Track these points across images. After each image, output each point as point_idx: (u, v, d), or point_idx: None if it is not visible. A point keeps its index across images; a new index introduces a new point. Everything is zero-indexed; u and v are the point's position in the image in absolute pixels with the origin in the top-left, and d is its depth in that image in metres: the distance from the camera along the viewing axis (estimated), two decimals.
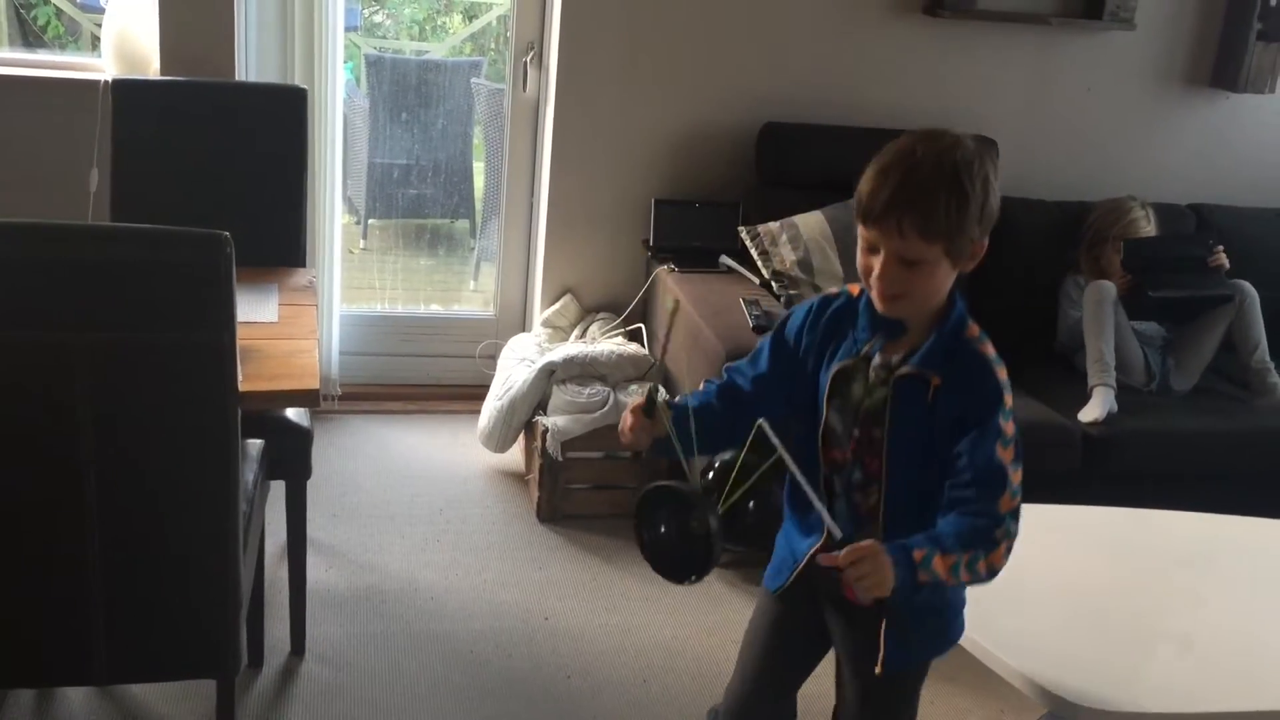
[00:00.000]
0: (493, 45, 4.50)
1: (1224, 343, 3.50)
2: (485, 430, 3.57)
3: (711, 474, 1.70)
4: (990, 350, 1.68)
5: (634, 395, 3.37)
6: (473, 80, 4.43)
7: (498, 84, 4.20)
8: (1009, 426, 1.64)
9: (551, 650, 2.82)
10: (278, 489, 2.64)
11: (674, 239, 3.73)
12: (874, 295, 1.66)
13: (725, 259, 3.64)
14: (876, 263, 1.62)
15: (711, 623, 2.98)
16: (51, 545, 1.96)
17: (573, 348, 3.54)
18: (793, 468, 1.61)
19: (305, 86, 3.12)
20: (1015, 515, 1.62)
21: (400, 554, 3.15)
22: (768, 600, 1.93)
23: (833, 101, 3.80)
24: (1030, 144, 3.96)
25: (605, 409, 3.33)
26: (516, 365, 3.60)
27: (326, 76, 3.54)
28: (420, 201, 4.56)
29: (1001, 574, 1.63)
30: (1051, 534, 2.38)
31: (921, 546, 1.58)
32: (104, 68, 3.46)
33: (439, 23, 4.81)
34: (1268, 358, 3.48)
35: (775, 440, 1.60)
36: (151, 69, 3.39)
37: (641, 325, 3.78)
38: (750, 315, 3.20)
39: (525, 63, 3.86)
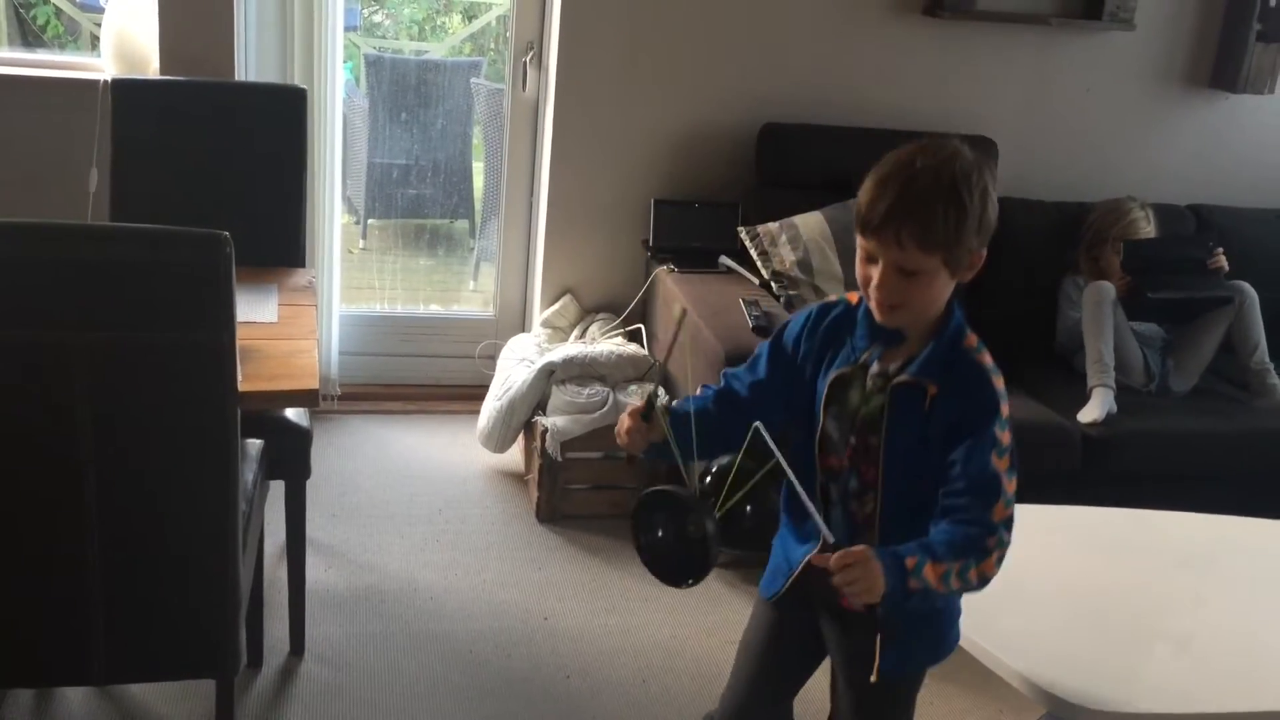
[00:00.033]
0: (492, 45, 4.50)
1: (1223, 344, 3.50)
2: (484, 430, 3.57)
3: (709, 478, 1.70)
4: (988, 360, 1.69)
5: (633, 397, 3.37)
6: (472, 80, 4.43)
7: (497, 84, 4.20)
8: (1005, 436, 1.63)
9: (551, 650, 2.82)
10: (277, 489, 2.64)
11: (674, 239, 3.73)
12: (873, 305, 1.66)
13: (725, 259, 3.64)
14: (875, 273, 1.63)
15: (710, 623, 2.98)
16: (51, 545, 1.96)
17: (572, 348, 3.54)
18: (788, 471, 1.61)
19: (305, 86, 3.12)
20: (1008, 524, 1.62)
21: (399, 554, 3.15)
22: (763, 607, 1.93)
23: (832, 102, 3.80)
24: (1030, 144, 3.96)
25: (605, 409, 3.33)
26: (516, 365, 3.60)
27: (326, 76, 3.54)
28: (420, 201, 4.56)
29: (1001, 574, 1.63)
30: (1051, 534, 2.38)
31: (913, 554, 1.58)
32: (103, 67, 3.45)
33: (438, 23, 4.81)
34: (1267, 359, 3.49)
35: (771, 445, 1.61)
36: (151, 69, 3.38)
37: (641, 326, 3.78)
38: (750, 316, 3.20)
39: (525, 63, 3.86)
